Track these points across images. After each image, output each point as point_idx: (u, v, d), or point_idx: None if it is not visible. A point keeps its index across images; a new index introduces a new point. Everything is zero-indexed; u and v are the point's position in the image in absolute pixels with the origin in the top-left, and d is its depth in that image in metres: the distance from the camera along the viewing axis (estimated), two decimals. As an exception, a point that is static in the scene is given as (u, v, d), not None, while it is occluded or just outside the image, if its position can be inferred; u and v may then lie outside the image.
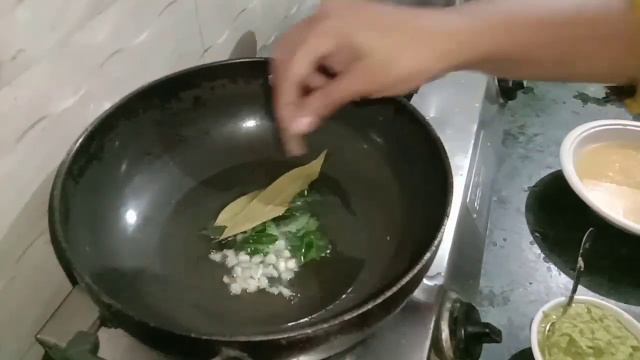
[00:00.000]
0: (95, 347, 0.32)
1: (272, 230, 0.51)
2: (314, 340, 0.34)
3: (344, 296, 0.45)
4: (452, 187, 0.41)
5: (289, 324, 0.43)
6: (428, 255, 0.36)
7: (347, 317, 0.33)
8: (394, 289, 0.34)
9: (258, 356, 0.33)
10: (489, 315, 0.65)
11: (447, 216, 0.39)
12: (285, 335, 0.32)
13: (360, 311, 0.33)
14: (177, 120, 0.53)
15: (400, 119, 0.50)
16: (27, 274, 0.45)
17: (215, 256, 0.49)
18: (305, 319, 0.43)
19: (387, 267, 0.46)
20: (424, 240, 0.39)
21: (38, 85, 0.42)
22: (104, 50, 0.50)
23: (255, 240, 0.49)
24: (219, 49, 0.69)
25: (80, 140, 0.44)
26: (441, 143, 0.44)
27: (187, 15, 0.62)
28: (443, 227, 0.38)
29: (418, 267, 0.35)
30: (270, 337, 0.32)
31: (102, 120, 0.46)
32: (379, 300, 0.34)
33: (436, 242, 0.37)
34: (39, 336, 0.45)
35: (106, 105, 0.48)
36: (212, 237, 0.50)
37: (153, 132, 0.52)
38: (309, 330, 0.32)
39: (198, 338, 0.32)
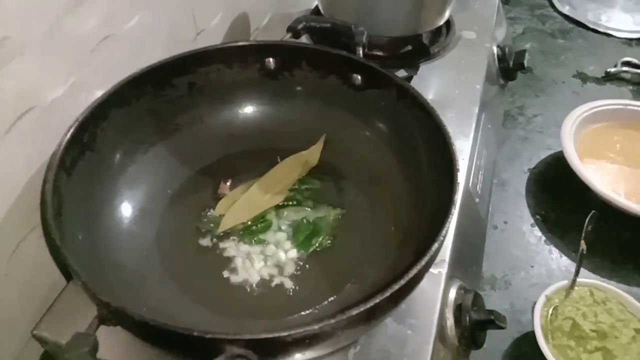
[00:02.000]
0: (95, 348, 0.31)
1: (273, 218, 0.49)
2: (321, 336, 0.33)
3: (347, 287, 0.44)
4: (457, 176, 0.40)
5: (293, 316, 0.42)
6: (436, 246, 0.35)
7: (354, 312, 0.32)
8: (402, 282, 0.33)
9: (263, 353, 0.32)
10: (491, 299, 0.64)
11: (455, 206, 0.38)
12: (292, 332, 0.31)
13: (368, 305, 0.32)
14: (171, 107, 0.52)
15: (403, 104, 0.49)
16: (20, 269, 0.44)
17: (215, 247, 0.47)
18: (309, 311, 0.42)
19: (391, 257, 0.45)
20: (429, 231, 0.38)
21: (26, 74, 0.41)
22: (94, 36, 0.48)
23: (253, 230, 0.48)
24: (212, 31, 0.67)
25: (71, 131, 0.42)
26: (446, 129, 0.43)
27: (179, -4, 0.59)
28: (450, 217, 0.37)
29: (426, 258, 0.34)
30: (276, 335, 0.31)
31: (93, 109, 0.45)
32: (386, 294, 0.33)
33: (444, 232, 0.36)
34: (35, 332, 0.44)
35: (98, 94, 0.47)
36: (211, 228, 0.48)
37: (147, 120, 0.50)
38: (316, 327, 0.32)
39: (201, 337, 0.31)
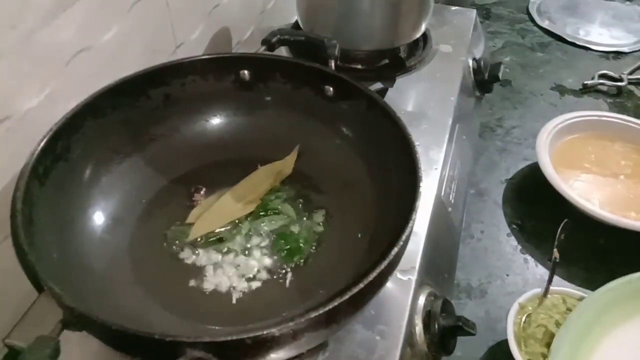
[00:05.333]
0: (56, 351, 0.31)
1: (245, 227, 0.50)
2: (281, 338, 0.33)
3: (317, 294, 0.45)
4: (420, 183, 0.41)
5: (261, 323, 0.42)
6: (395, 250, 0.36)
7: (313, 314, 0.33)
8: (361, 286, 0.34)
9: (223, 356, 0.32)
10: (467, 308, 0.65)
11: (415, 211, 0.39)
12: (251, 335, 0.32)
13: (327, 308, 0.33)
14: (146, 118, 0.52)
15: (372, 114, 0.50)
16: (-7, 278, 0.44)
17: (187, 255, 0.48)
18: (277, 318, 0.43)
19: (360, 263, 0.46)
20: (394, 236, 0.38)
21: (0, 85, 0.42)
22: (70, 48, 0.49)
23: (224, 238, 0.49)
24: (192, 45, 0.68)
25: (44, 141, 0.43)
26: (411, 139, 0.44)
27: (158, 10, 0.61)
28: (411, 222, 0.38)
29: (385, 263, 0.35)
30: (235, 337, 0.32)
31: (67, 119, 0.45)
32: (345, 297, 0.34)
33: (404, 237, 0.37)
34: (6, 341, 0.45)
35: (73, 105, 0.47)
36: (182, 237, 0.49)
37: (122, 131, 0.51)
38: (275, 329, 0.32)
39: (161, 339, 0.31)
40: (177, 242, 0.49)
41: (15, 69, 0.43)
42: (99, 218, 0.48)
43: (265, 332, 0.32)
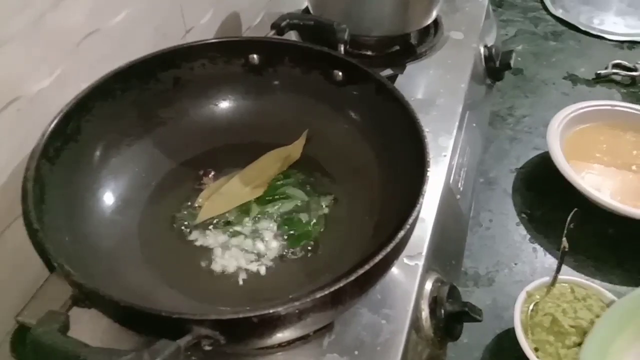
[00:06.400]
0: (65, 326, 0.32)
1: (253, 210, 0.50)
2: (287, 318, 0.34)
3: (324, 277, 0.45)
4: (428, 168, 0.41)
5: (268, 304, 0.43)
6: (402, 233, 0.36)
7: (319, 294, 0.33)
8: (367, 267, 0.34)
9: (230, 334, 0.33)
10: (474, 295, 0.65)
11: (422, 195, 0.38)
12: (257, 313, 0.32)
13: (333, 289, 0.33)
14: (156, 101, 0.53)
15: (381, 98, 0.50)
16: (5, 257, 0.45)
17: (195, 237, 0.48)
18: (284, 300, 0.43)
19: (366, 247, 0.46)
20: (401, 220, 0.38)
21: (10, 66, 0.42)
22: (80, 30, 0.49)
23: (232, 221, 0.49)
24: (202, 29, 0.68)
25: (55, 122, 0.43)
26: (419, 123, 0.44)
27: (168, -6, 0.61)
28: (418, 206, 0.38)
29: (391, 245, 0.35)
30: (242, 315, 0.32)
31: (78, 101, 0.45)
32: (351, 278, 0.34)
33: (411, 220, 0.37)
34: (18, 318, 0.45)
35: (84, 86, 0.48)
36: (191, 219, 0.49)
37: (132, 113, 0.51)
38: (281, 308, 0.32)
39: (168, 317, 0.31)
40: (185, 223, 0.49)
41: (26, 50, 0.43)
42: (108, 199, 0.48)
43: (271, 311, 0.32)
